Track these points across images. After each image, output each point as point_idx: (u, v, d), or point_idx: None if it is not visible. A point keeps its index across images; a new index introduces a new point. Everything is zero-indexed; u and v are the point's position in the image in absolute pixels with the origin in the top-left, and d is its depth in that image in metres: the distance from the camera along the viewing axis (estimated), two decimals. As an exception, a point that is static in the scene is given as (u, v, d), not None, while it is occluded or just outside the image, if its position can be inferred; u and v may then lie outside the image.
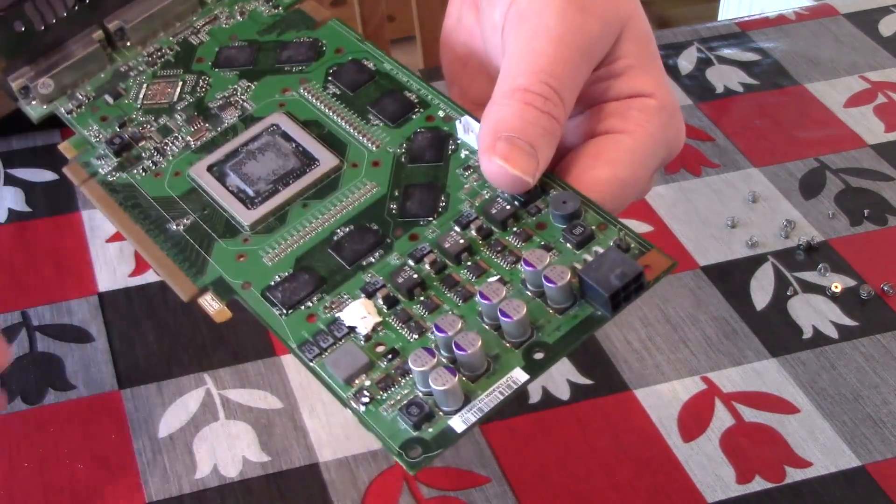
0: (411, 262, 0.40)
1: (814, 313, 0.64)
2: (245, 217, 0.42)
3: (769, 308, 0.65)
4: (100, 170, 0.45)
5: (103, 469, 0.55)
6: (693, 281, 0.66)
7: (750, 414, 0.59)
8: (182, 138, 0.45)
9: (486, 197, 0.41)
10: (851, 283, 0.66)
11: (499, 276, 0.39)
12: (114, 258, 0.66)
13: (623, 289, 0.37)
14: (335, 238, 0.41)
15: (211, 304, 0.40)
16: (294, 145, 0.43)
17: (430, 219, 0.41)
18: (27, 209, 0.70)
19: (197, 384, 0.60)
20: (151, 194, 0.43)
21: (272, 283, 0.40)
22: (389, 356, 0.38)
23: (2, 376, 0.60)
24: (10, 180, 0.73)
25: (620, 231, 0.39)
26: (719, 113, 0.79)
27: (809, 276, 0.67)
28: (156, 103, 0.46)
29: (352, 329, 0.39)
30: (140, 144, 0.45)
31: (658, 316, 0.64)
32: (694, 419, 0.58)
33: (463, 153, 0.42)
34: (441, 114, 0.43)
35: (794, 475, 0.56)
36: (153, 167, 0.44)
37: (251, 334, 0.62)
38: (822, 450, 0.57)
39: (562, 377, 0.60)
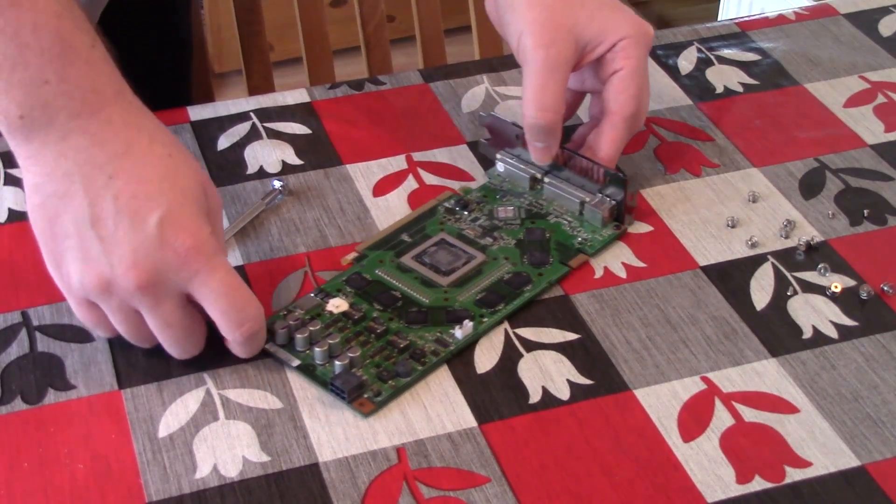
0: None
1: (813, 313, 0.64)
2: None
3: (769, 308, 0.65)
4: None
5: (103, 469, 0.55)
6: (693, 281, 0.66)
7: (750, 414, 0.59)
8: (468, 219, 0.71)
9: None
10: (851, 283, 0.66)
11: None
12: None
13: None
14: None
15: None
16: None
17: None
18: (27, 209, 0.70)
19: (197, 384, 0.60)
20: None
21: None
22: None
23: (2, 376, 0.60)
24: (11, 180, 0.73)
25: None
26: (719, 113, 0.79)
27: (809, 276, 0.67)
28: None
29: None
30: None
31: (658, 316, 0.64)
32: (694, 419, 0.58)
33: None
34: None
35: (793, 475, 0.56)
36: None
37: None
38: (821, 450, 0.57)
39: (562, 377, 0.60)
